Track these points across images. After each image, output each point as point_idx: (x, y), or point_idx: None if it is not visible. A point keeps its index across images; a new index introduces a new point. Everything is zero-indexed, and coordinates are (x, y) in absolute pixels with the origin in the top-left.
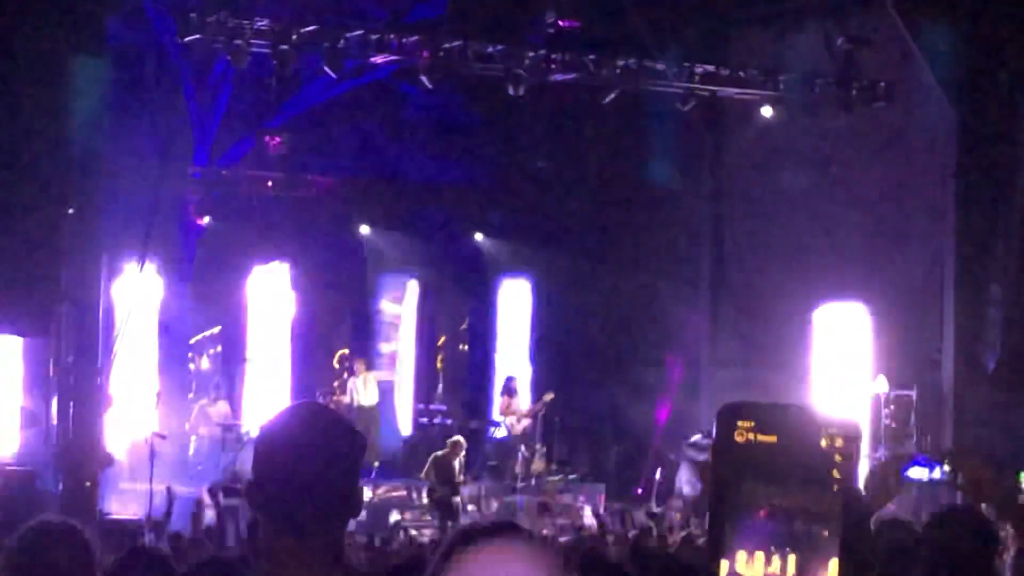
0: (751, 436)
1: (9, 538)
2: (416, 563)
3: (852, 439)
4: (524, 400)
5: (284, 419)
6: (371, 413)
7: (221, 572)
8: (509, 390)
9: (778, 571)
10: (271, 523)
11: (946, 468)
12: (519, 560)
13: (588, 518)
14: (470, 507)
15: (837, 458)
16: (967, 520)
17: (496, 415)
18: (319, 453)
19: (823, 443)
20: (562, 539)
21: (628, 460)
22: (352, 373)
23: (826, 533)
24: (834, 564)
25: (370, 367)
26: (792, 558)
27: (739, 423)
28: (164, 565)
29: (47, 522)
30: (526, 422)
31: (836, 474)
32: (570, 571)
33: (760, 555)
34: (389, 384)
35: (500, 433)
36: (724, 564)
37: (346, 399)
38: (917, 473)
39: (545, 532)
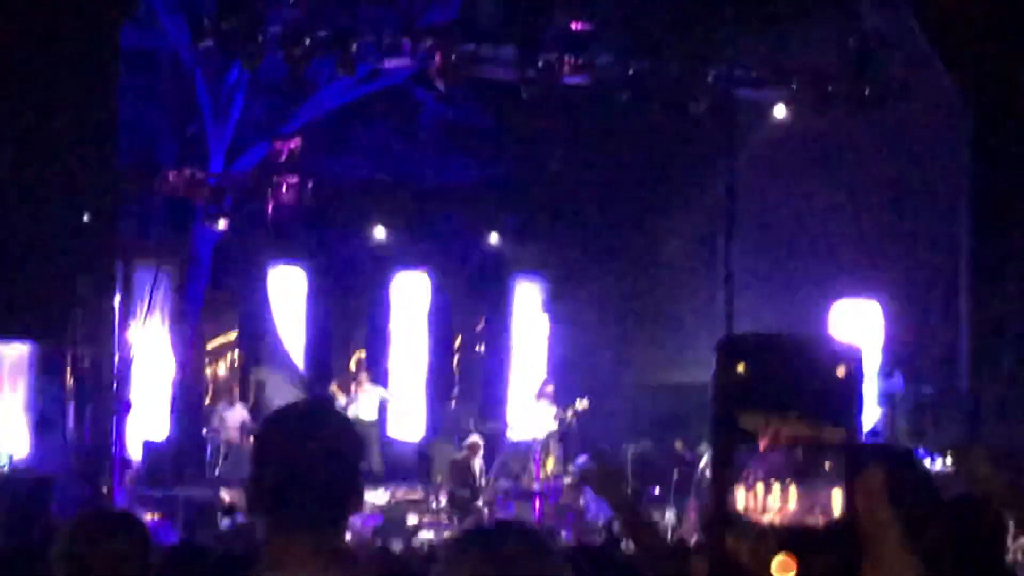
0: (751, 367)
1: (65, 526)
2: (427, 564)
3: (854, 365)
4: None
5: (283, 415)
6: (369, 428)
7: (236, 566)
8: (543, 392)
9: (779, 502)
10: (269, 519)
11: (947, 461)
12: (526, 561)
13: (603, 519)
14: (486, 509)
15: (840, 386)
16: (974, 509)
17: (523, 414)
18: (317, 448)
19: (826, 372)
20: (571, 539)
21: (645, 461)
22: (357, 383)
23: (828, 464)
24: (837, 494)
25: (375, 380)
26: (793, 488)
27: (738, 355)
28: (209, 559)
29: (104, 510)
30: (554, 425)
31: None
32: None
33: (760, 486)
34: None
35: (517, 435)
36: (727, 499)
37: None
38: None
39: (563, 533)
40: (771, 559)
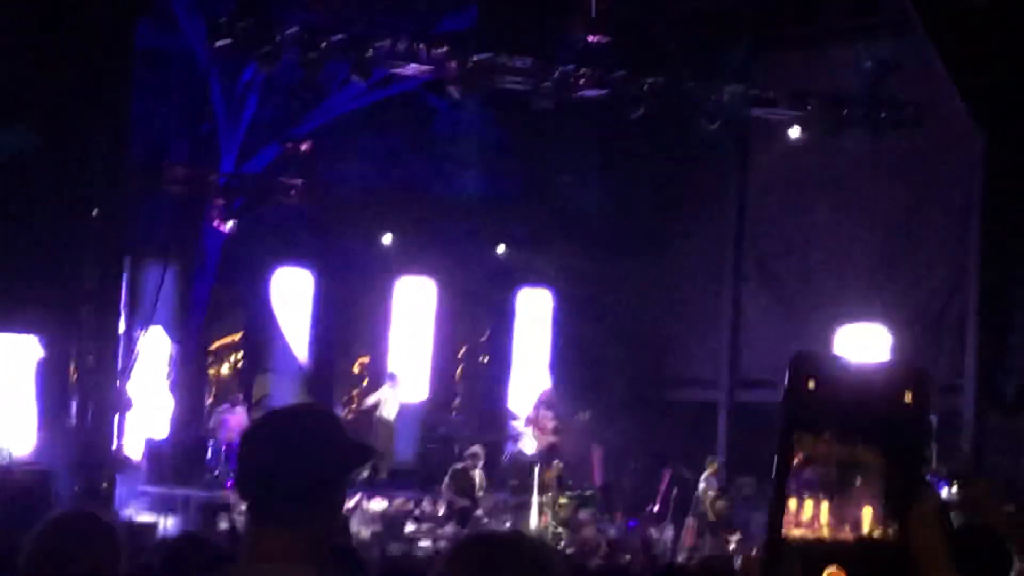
0: (818, 386)
1: (34, 527)
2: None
3: (922, 391)
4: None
5: (269, 416)
6: (392, 425)
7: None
8: (542, 402)
9: (810, 517)
10: (251, 513)
11: (954, 489)
12: (519, 572)
13: (598, 535)
14: (485, 520)
15: (907, 413)
16: (982, 538)
17: (521, 425)
18: (298, 446)
19: (893, 399)
20: (571, 552)
21: (645, 477)
22: (384, 381)
23: (859, 481)
24: (867, 512)
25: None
26: (825, 504)
27: (809, 372)
28: (208, 551)
29: (72, 511)
30: (552, 437)
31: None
32: None
33: (793, 501)
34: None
35: (523, 446)
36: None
37: (372, 404)
38: None
39: (563, 547)
40: (821, 572)
